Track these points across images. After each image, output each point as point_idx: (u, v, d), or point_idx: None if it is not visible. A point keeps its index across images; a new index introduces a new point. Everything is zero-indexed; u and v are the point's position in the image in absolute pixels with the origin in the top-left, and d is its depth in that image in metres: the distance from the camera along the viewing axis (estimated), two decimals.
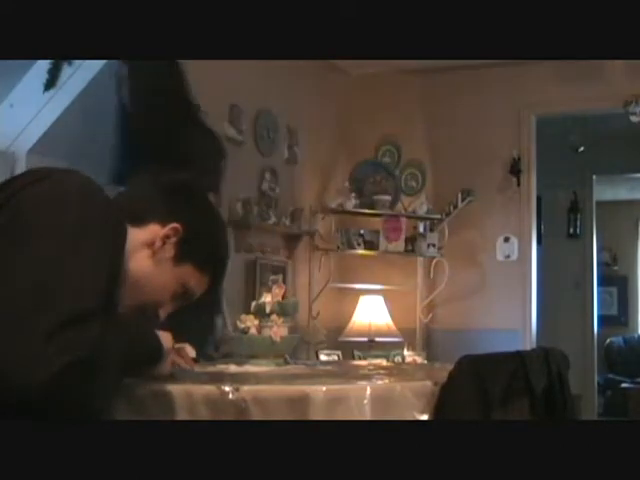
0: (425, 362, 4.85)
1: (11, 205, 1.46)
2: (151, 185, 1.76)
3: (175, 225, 1.67)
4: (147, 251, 1.65)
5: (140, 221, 1.66)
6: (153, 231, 1.67)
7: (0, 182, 1.60)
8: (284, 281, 4.98)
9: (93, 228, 1.46)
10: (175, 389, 1.65)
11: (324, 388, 1.64)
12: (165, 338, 1.74)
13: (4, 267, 1.38)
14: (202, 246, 1.71)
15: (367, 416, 1.63)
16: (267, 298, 2.31)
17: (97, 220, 1.48)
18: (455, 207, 5.62)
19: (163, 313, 1.72)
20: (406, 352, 5.22)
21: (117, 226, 1.54)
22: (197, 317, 1.96)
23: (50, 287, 1.36)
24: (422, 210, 5.55)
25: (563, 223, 7.96)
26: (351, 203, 5.37)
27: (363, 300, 5.54)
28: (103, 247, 1.47)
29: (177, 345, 1.85)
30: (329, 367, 2.61)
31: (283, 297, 2.34)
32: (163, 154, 2.85)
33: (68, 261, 1.40)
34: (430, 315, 5.75)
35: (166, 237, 1.66)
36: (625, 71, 5.39)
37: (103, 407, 1.54)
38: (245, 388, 1.64)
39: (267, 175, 5.11)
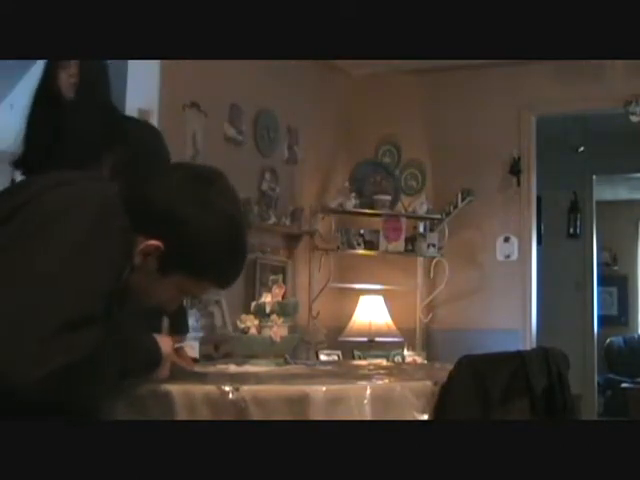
0: (425, 362, 4.85)
1: (32, 205, 1.48)
2: (145, 191, 1.63)
3: (153, 243, 1.57)
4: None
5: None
6: (138, 243, 1.58)
7: (20, 181, 1.64)
8: (284, 281, 4.98)
9: (104, 235, 1.47)
10: (175, 389, 1.65)
11: (324, 388, 1.64)
12: (164, 342, 1.73)
13: (15, 265, 1.40)
14: (194, 258, 1.61)
15: (367, 416, 1.63)
16: (267, 298, 2.31)
17: (110, 227, 1.49)
18: (455, 207, 5.61)
19: (171, 307, 1.72)
20: (406, 352, 5.22)
21: (127, 234, 1.54)
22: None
23: (55, 288, 1.38)
24: (422, 210, 5.55)
25: (563, 223, 7.95)
26: (351, 203, 5.36)
27: (363, 300, 5.54)
28: (112, 253, 1.48)
29: (176, 345, 1.85)
30: (329, 367, 2.61)
31: (283, 297, 2.34)
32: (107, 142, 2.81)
33: (76, 264, 1.41)
34: (430, 315, 5.74)
35: (145, 253, 1.58)
36: (625, 71, 5.39)
37: (100, 409, 1.54)
38: (245, 388, 1.64)
39: (267, 175, 5.11)
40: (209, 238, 1.61)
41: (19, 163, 2.85)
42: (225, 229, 1.63)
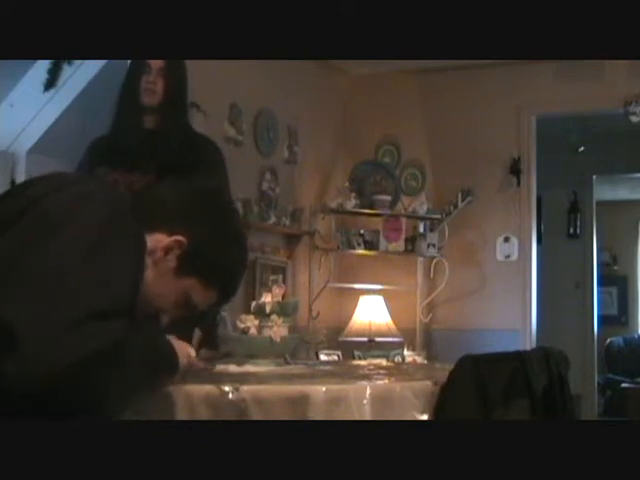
0: (425, 362, 4.85)
1: (38, 208, 1.47)
2: (174, 190, 1.71)
3: (178, 238, 1.61)
4: (149, 259, 1.60)
5: (149, 228, 1.60)
6: (157, 240, 1.61)
7: (19, 183, 1.64)
8: (284, 281, 4.98)
9: (120, 236, 1.48)
10: (175, 389, 1.65)
11: (324, 388, 1.64)
12: (182, 350, 1.70)
13: (34, 258, 1.39)
14: (209, 262, 1.65)
15: (367, 416, 1.63)
16: (267, 298, 2.31)
17: (123, 229, 1.49)
18: (455, 207, 5.61)
19: (165, 318, 1.70)
20: (406, 352, 5.22)
21: (139, 236, 1.55)
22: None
23: (77, 281, 1.38)
24: (422, 210, 5.54)
25: (563, 223, 7.95)
26: (351, 203, 5.36)
27: (363, 300, 5.53)
28: (129, 253, 1.49)
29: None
30: (329, 367, 2.61)
31: (283, 297, 2.34)
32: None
33: (99, 259, 1.42)
34: (430, 315, 5.74)
35: (168, 249, 1.61)
36: (625, 71, 5.39)
37: (119, 404, 1.52)
38: (245, 388, 1.64)
39: (267, 175, 5.11)
40: (233, 248, 1.73)
41: (102, 159, 2.90)
42: (238, 242, 1.76)
